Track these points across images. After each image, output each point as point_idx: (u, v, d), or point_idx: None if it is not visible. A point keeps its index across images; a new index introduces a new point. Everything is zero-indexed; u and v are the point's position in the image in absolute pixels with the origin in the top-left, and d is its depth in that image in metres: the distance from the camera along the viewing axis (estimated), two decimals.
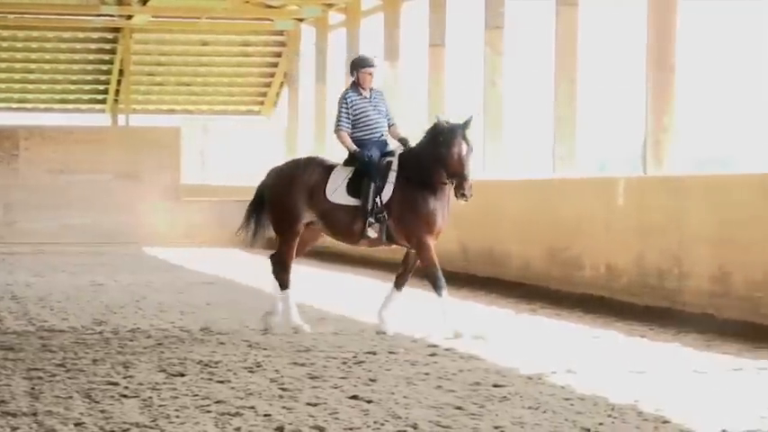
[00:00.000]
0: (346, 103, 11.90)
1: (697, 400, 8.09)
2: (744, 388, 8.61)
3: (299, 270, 20.66)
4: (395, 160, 11.67)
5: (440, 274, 11.42)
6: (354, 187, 11.61)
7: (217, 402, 7.95)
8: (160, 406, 7.83)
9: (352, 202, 11.61)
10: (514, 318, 13.23)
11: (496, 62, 18.73)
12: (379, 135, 11.89)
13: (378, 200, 11.52)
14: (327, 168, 11.88)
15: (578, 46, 16.61)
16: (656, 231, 13.64)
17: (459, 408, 7.77)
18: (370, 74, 11.94)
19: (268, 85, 31.00)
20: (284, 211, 11.91)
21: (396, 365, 9.60)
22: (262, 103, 31.48)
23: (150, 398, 8.12)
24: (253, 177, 29.61)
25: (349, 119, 11.85)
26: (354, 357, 10.02)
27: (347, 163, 11.84)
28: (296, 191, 11.79)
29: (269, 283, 12.43)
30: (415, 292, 14.66)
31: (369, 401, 8.01)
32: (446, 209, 11.56)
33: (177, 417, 7.49)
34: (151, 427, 7.20)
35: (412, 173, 11.52)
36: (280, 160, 30.75)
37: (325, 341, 11.06)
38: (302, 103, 29.06)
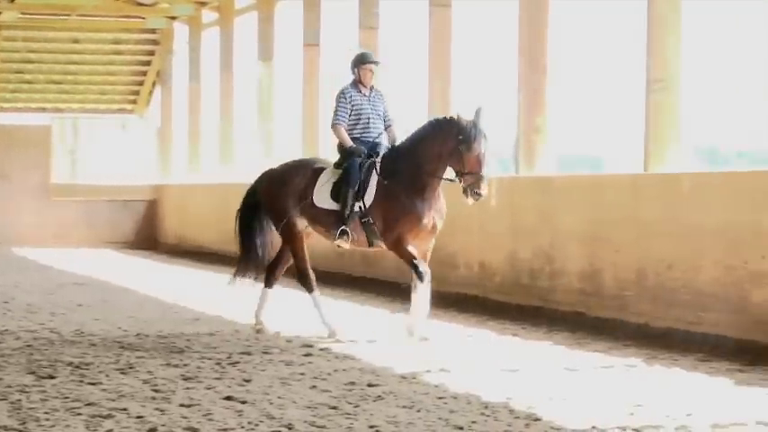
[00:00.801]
0: (345, 98, 11.46)
1: (568, 397, 8.20)
2: (613, 385, 8.74)
3: (174, 269, 20.52)
4: (378, 161, 11.24)
5: (421, 266, 11.08)
6: (337, 191, 11.24)
7: (88, 405, 7.83)
8: (29, 409, 7.70)
9: (334, 206, 11.24)
10: (389, 317, 13.26)
11: None
12: (374, 135, 11.49)
13: (361, 204, 11.12)
14: (316, 171, 11.54)
15: (452, 47, 16.72)
16: (529, 231, 13.80)
17: (334, 407, 7.78)
18: (371, 71, 11.53)
19: (141, 83, 30.63)
20: (280, 216, 11.62)
21: (270, 366, 9.56)
22: (134, 101, 31.09)
23: (19, 401, 7.97)
24: (124, 177, 29.40)
25: (347, 113, 11.44)
26: (229, 358, 9.96)
27: (338, 165, 11.45)
28: (287, 196, 11.54)
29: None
30: (286, 292, 14.63)
31: (243, 402, 7.96)
32: (434, 208, 11.10)
33: (47, 419, 7.36)
34: (20, 431, 7.07)
35: (398, 171, 11.08)
36: (152, 159, 30.29)
37: (199, 342, 10.97)
38: (176, 102, 28.78)
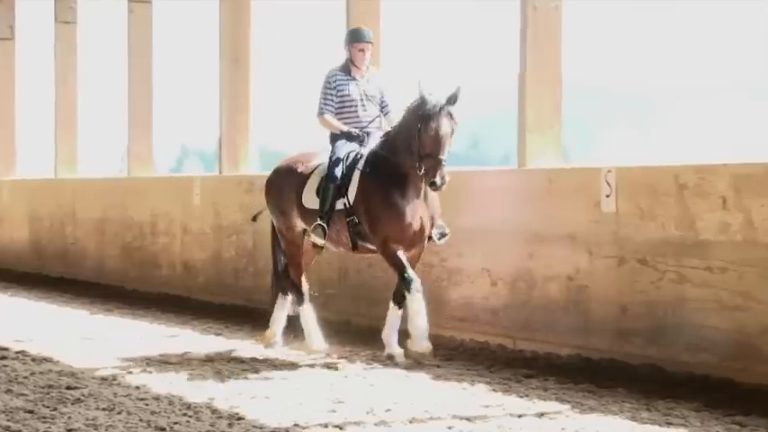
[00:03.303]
0: (329, 83, 10.08)
1: (271, 395, 8.22)
2: (315, 382, 8.81)
3: None
4: (365, 153, 9.82)
5: (408, 271, 9.40)
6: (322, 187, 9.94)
7: None
8: None
9: (316, 205, 9.90)
10: (89, 319, 13.00)
11: (69, 58, 18.35)
12: (364, 123, 10.10)
13: (345, 201, 9.74)
14: (313, 167, 10.16)
15: (153, 43, 16.52)
16: (233, 231, 13.78)
17: (30, 411, 7.55)
18: (362, 50, 10.07)
19: None
20: (279, 216, 10.35)
21: None
22: None
23: None
24: None
25: (332, 101, 10.06)
26: None
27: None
28: (285, 194, 10.23)
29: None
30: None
31: None
32: (421, 206, 9.56)
33: None
34: None
35: (380, 164, 9.62)
36: None
37: None
38: None
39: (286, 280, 10.43)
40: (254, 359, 9.95)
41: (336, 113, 10.13)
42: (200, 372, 9.28)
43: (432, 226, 9.69)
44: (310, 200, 9.98)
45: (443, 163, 9.09)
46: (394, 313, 9.67)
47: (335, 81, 10.11)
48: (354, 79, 10.14)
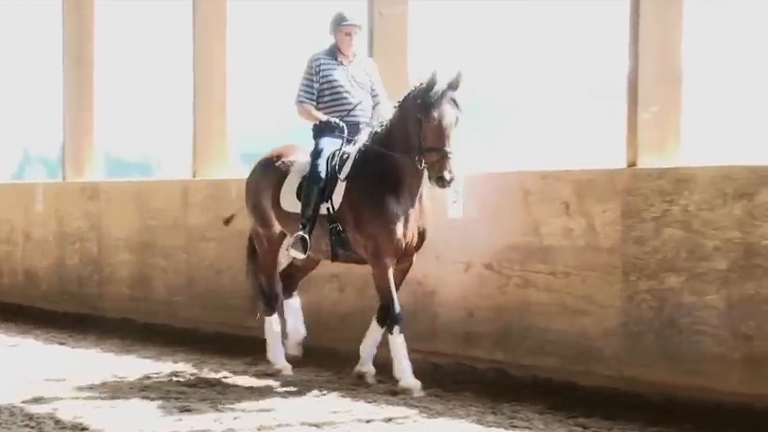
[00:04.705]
0: (311, 69, 9.02)
1: (116, 404, 8.11)
2: (163, 391, 8.71)
3: None
4: (353, 151, 8.74)
5: (394, 305, 8.47)
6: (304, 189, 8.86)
7: None
8: None
9: (298, 208, 8.86)
10: None
11: None
12: (354, 115, 9.02)
13: (329, 206, 8.70)
14: (292, 162, 9.17)
15: None
16: (76, 238, 13.56)
17: None
18: (348, 34, 9.02)
19: None
20: (255, 215, 9.40)
21: None
22: None
23: None
24: None
25: (312, 88, 9.01)
26: None
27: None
28: (261, 192, 9.27)
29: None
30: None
31: None
32: (416, 213, 8.54)
33: None
34: None
35: (373, 163, 8.51)
36: None
37: None
38: None
39: (258, 288, 9.61)
40: (98, 368, 9.80)
41: (323, 101, 9.07)
42: (43, 382, 9.10)
43: (422, 237, 8.67)
44: (289, 202, 9.02)
45: (449, 156, 7.99)
46: (376, 331, 8.82)
47: (319, 66, 9.03)
48: (341, 64, 9.09)
